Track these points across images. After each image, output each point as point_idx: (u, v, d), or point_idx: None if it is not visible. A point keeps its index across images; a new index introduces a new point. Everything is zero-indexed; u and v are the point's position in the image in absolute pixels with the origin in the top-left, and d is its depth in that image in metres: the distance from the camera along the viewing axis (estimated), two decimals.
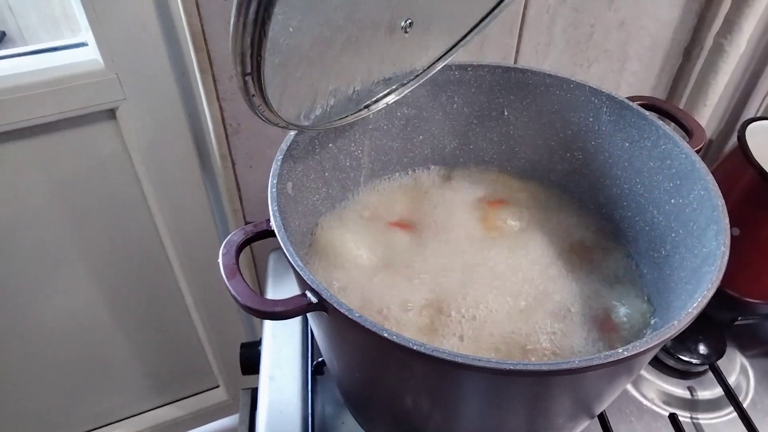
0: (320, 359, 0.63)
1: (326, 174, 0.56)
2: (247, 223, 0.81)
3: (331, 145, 0.55)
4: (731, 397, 0.60)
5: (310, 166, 0.53)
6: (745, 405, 0.61)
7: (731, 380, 0.63)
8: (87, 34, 0.66)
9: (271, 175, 0.45)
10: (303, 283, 0.38)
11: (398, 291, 0.51)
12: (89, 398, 1.04)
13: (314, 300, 0.37)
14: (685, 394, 0.62)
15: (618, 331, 0.50)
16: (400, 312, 0.50)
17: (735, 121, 0.84)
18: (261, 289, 0.90)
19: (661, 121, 0.51)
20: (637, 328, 0.50)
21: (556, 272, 0.54)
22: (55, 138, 0.70)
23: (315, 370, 0.62)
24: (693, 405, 0.61)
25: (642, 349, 0.34)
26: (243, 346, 0.74)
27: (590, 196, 0.60)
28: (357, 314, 0.35)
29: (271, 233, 0.43)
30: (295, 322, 0.68)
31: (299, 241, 0.52)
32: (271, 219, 0.42)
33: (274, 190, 0.44)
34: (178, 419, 1.18)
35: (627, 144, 0.54)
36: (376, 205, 0.61)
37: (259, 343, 0.72)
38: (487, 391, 0.38)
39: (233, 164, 0.73)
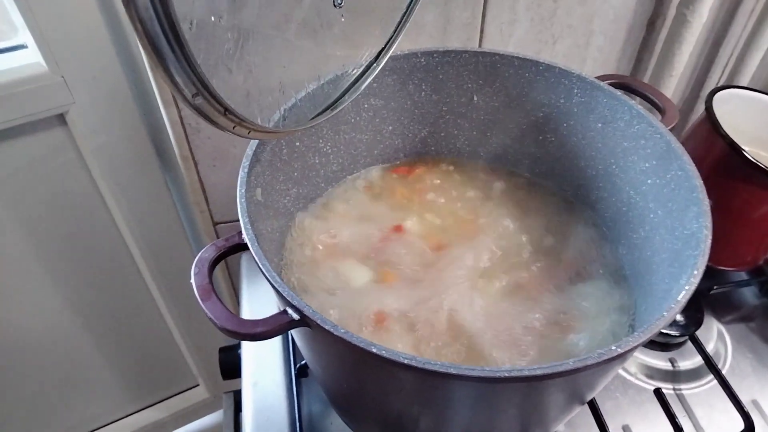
0: (303, 362, 0.61)
1: (295, 174, 0.54)
2: (216, 224, 0.79)
3: (298, 143, 0.53)
4: (710, 365, 0.61)
5: (278, 167, 0.51)
6: (724, 371, 0.62)
7: (710, 348, 0.65)
8: (24, 35, 0.61)
9: (238, 184, 0.43)
10: (284, 300, 0.36)
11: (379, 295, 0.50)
12: (65, 408, 1.01)
13: (296, 317, 0.36)
14: (667, 366, 0.63)
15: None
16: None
17: (699, 88, 0.84)
18: (236, 292, 0.87)
19: (633, 101, 0.50)
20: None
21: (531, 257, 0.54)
22: (3, 148, 0.66)
23: (299, 373, 0.61)
24: (675, 376, 0.62)
25: (634, 345, 0.34)
26: (222, 350, 0.72)
27: (565, 178, 0.59)
28: (342, 330, 0.34)
29: (243, 246, 0.41)
30: None
31: (274, 249, 0.50)
32: (243, 232, 0.40)
33: (243, 200, 0.42)
34: (159, 422, 1.16)
35: (600, 125, 0.53)
36: (348, 201, 0.59)
37: (238, 346, 0.70)
38: (480, 397, 0.37)
39: (196, 165, 0.70)
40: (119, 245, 0.83)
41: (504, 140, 0.61)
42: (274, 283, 0.36)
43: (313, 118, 0.48)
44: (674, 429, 0.55)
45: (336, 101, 0.50)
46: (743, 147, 0.59)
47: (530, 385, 0.34)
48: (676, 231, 0.44)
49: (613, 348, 0.33)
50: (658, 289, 0.45)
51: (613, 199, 0.54)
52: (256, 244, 0.39)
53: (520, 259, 0.54)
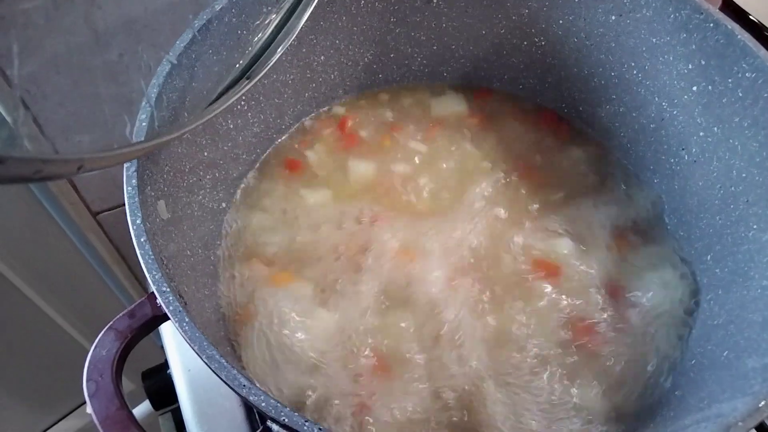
0: None
1: (206, 153, 0.37)
2: (96, 214, 0.59)
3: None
4: None
5: (180, 153, 0.33)
6: None
7: None
8: None
9: (128, 209, 0.26)
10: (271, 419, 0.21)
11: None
12: None
13: None
14: None
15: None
16: None
17: None
18: None
19: None
20: None
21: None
22: None
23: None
24: None
25: None
26: (145, 376, 0.56)
27: (560, 92, 0.45)
28: None
29: (162, 318, 0.24)
30: None
31: (201, 282, 0.34)
32: (159, 298, 0.24)
33: (143, 238, 0.25)
34: (83, 428, 1.02)
35: (613, 17, 0.40)
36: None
37: (165, 365, 0.54)
38: None
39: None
40: None
41: (475, 52, 0.46)
42: (242, 394, 0.21)
43: (216, 100, 0.30)
44: None
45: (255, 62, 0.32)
46: None
47: None
48: (756, 157, 0.33)
49: None
50: (735, 237, 0.34)
51: (633, 114, 0.42)
52: (186, 319, 0.23)
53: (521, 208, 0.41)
